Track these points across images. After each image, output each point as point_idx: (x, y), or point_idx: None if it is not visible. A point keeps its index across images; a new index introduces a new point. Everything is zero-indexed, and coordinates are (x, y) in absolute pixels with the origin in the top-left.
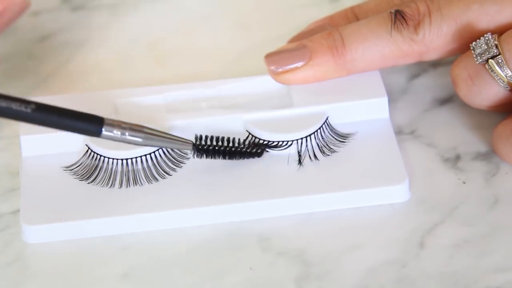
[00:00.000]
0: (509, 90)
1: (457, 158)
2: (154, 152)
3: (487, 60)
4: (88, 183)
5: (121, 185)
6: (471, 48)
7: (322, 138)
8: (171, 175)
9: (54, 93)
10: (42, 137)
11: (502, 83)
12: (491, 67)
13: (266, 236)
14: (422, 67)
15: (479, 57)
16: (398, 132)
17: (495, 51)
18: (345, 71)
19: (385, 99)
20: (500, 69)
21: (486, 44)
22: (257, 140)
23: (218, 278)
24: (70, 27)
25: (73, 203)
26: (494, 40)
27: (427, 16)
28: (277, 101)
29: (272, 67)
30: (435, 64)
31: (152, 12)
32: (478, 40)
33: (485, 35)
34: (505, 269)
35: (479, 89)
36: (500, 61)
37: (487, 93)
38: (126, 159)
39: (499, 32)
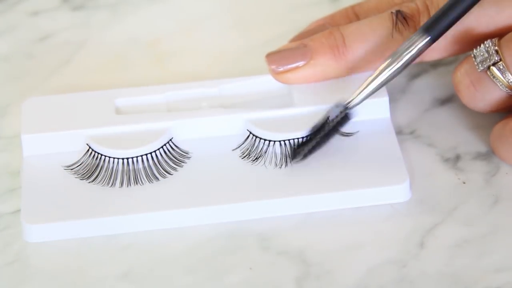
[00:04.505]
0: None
1: (457, 158)
2: (154, 151)
3: (488, 67)
4: (89, 182)
5: (121, 185)
6: (472, 56)
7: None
8: (171, 175)
9: (54, 93)
10: (43, 136)
11: (504, 88)
12: (492, 74)
13: (266, 236)
14: (422, 67)
15: (480, 65)
16: (398, 132)
17: (496, 58)
18: (346, 71)
19: (386, 99)
20: (502, 75)
21: (487, 51)
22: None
23: (218, 278)
24: (70, 27)
25: (74, 202)
26: (494, 46)
27: (426, 16)
28: (278, 101)
29: (273, 67)
30: (435, 64)
31: (152, 12)
32: (479, 48)
33: (485, 42)
34: (505, 269)
35: (482, 95)
36: (501, 67)
37: (490, 99)
38: (127, 158)
39: (499, 33)
